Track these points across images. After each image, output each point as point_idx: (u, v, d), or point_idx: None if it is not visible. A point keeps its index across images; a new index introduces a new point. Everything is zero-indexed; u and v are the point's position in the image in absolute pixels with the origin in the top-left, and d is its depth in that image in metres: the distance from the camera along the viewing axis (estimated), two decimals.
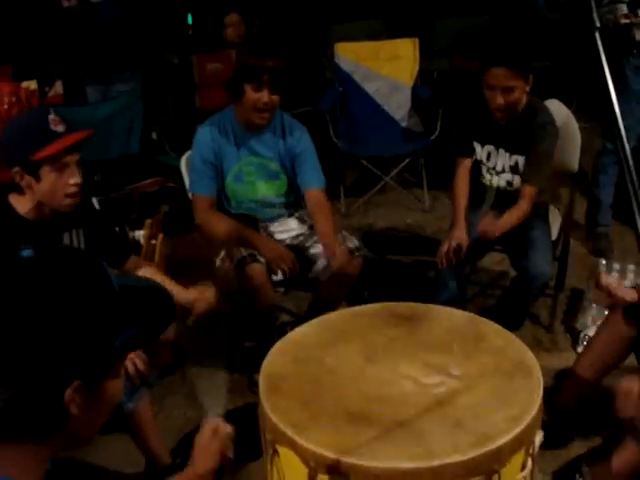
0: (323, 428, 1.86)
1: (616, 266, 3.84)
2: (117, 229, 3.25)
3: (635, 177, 1.14)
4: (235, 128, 3.22)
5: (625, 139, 1.15)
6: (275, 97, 3.10)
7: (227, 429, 1.72)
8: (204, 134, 3.23)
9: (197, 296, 2.73)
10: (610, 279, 2.72)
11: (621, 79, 4.13)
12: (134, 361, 2.45)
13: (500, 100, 3.18)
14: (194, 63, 5.44)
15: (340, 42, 5.50)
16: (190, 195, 3.29)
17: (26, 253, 1.08)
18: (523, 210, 3.25)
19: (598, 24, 1.15)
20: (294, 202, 3.41)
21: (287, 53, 3.30)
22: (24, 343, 1.00)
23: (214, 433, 1.70)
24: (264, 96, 3.07)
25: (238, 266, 3.11)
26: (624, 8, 4.07)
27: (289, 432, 1.84)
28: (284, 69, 3.11)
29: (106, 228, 2.77)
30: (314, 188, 3.31)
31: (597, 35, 1.14)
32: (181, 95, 5.54)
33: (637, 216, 1.11)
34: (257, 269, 3.09)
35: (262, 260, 3.12)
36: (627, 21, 4.01)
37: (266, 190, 3.32)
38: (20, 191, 2.40)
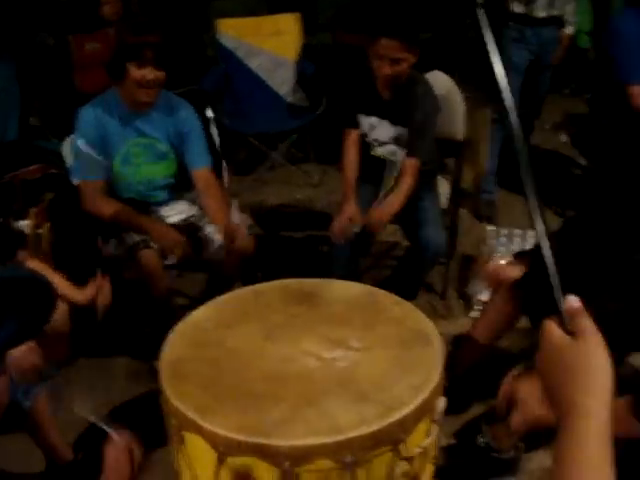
0: (228, 410, 1.83)
1: (503, 232, 3.95)
2: (0, 222, 3.14)
3: (524, 147, 1.15)
4: (120, 109, 3.13)
5: (513, 111, 1.16)
6: (160, 73, 3.03)
7: (125, 440, 1.67)
8: (87, 117, 3.12)
9: (94, 293, 2.67)
10: (494, 265, 2.77)
11: (499, 50, 4.24)
12: (29, 357, 2.36)
13: (387, 70, 3.20)
14: (71, 43, 5.26)
15: (221, 18, 5.42)
16: (75, 181, 3.19)
17: None
18: (408, 185, 3.29)
19: (480, 0, 1.16)
20: (183, 183, 3.35)
21: (168, 29, 3.23)
22: None
23: (123, 451, 1.65)
24: (148, 73, 3.00)
25: (129, 252, 3.04)
26: None
27: (194, 417, 1.80)
28: (166, 44, 3.04)
29: None
30: (202, 167, 3.28)
31: (480, 12, 1.15)
32: (59, 77, 5.35)
33: (526, 185, 1.13)
34: (149, 255, 3.03)
35: (154, 245, 3.05)
36: None
37: (155, 171, 3.25)
38: None
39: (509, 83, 3.18)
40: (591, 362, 1.05)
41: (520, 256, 2.76)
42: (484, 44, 1.13)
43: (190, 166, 3.27)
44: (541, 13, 4.47)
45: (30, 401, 2.46)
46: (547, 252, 1.11)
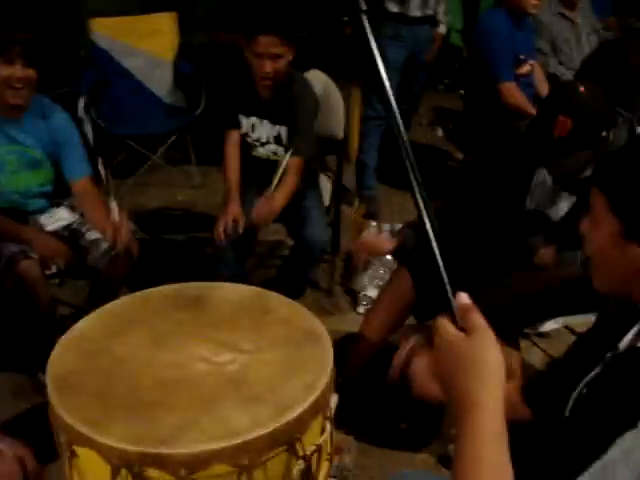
0: (121, 421, 1.80)
1: (386, 227, 4.03)
2: None
3: (407, 143, 1.18)
4: None
5: (396, 108, 1.18)
6: (30, 71, 2.92)
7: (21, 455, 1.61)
8: None
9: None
10: (368, 236, 2.83)
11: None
12: None
13: (268, 68, 3.21)
14: None
15: (95, 18, 5.30)
16: None
17: None
18: (292, 183, 3.31)
19: (364, 7, 1.17)
20: (62, 190, 3.27)
21: (39, 26, 3.14)
22: None
23: (13, 463, 1.59)
24: (17, 70, 2.89)
25: (8, 264, 2.94)
26: None
27: (85, 430, 1.76)
28: (37, 42, 2.94)
29: None
30: (80, 178, 3.21)
31: (364, 18, 1.16)
32: None
33: (412, 180, 1.15)
34: (29, 266, 2.93)
35: (34, 255, 2.97)
36: None
37: (30, 180, 3.15)
38: None
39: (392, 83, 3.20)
40: (484, 357, 1.08)
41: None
42: (369, 49, 1.15)
43: (68, 176, 3.20)
44: (415, 12, 4.60)
45: None
46: (436, 250, 1.13)
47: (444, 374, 1.12)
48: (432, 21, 4.82)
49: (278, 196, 3.28)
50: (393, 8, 4.58)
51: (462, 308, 1.11)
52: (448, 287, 1.12)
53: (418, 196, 1.14)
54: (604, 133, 2.52)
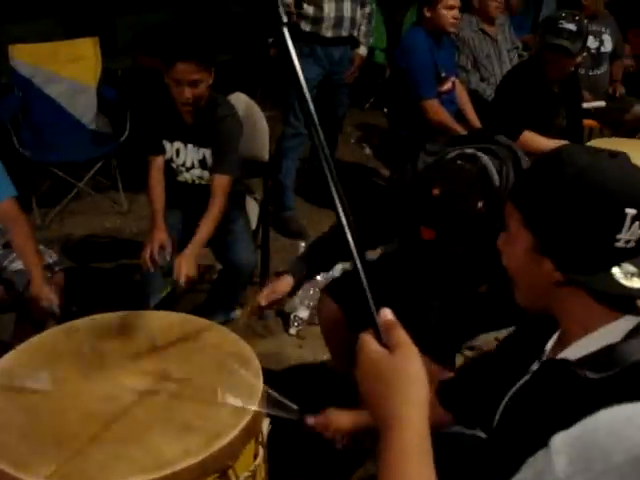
0: (49, 459, 1.76)
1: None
2: None
3: (330, 159, 1.18)
4: None
5: (318, 126, 1.19)
6: None
7: None
8: None
9: None
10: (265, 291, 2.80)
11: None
12: None
13: (187, 94, 3.20)
14: None
15: (15, 44, 5.22)
16: None
17: None
18: (219, 205, 3.27)
19: (285, 19, 1.19)
20: None
21: None
22: None
23: None
24: None
25: None
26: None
27: (10, 471, 1.72)
28: None
29: None
30: (5, 199, 3.13)
31: (284, 30, 1.18)
32: None
33: (334, 199, 1.16)
34: None
35: None
36: (287, 10, 4.31)
37: None
38: None
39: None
40: (407, 373, 1.09)
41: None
42: (289, 61, 1.16)
43: None
44: (328, 33, 4.64)
45: None
46: (360, 267, 1.13)
47: (367, 391, 1.12)
48: (350, 42, 4.87)
49: (202, 230, 3.20)
50: (306, 27, 4.64)
51: (385, 324, 1.12)
52: (371, 304, 1.12)
53: (340, 212, 1.14)
54: (479, 204, 2.47)
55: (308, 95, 1.17)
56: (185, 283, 3.09)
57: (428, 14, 4.30)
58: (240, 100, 3.68)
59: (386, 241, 2.99)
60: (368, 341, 1.12)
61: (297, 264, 2.81)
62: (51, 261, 3.13)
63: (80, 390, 2.04)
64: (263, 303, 2.72)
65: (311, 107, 1.17)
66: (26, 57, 5.19)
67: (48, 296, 2.94)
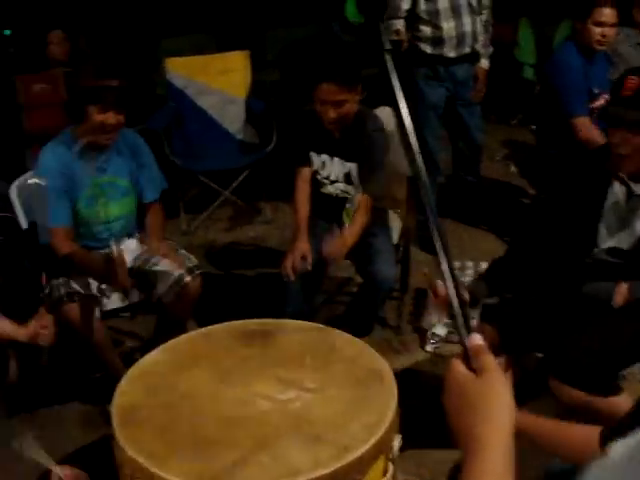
0: (182, 457, 1.81)
1: (456, 264, 3.98)
2: None
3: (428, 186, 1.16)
4: (79, 150, 3.10)
5: (417, 149, 1.17)
6: (121, 117, 3.04)
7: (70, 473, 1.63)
8: (49, 161, 3.08)
9: (36, 330, 2.62)
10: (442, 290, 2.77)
11: (414, 89, 4.39)
12: None
13: (332, 114, 3.22)
14: (18, 84, 5.21)
15: (170, 57, 5.43)
16: (50, 225, 3.10)
17: None
18: (361, 221, 3.30)
19: (388, 47, 1.17)
20: (138, 220, 3.38)
21: (125, 70, 3.24)
22: None
23: None
24: (110, 117, 3.01)
25: (55, 306, 3.00)
26: (398, 24, 4.31)
27: (147, 464, 1.77)
28: (127, 87, 3.04)
29: None
30: (152, 200, 3.37)
31: (387, 57, 1.17)
32: (5, 118, 5.30)
33: (431, 223, 1.15)
34: (71, 311, 2.99)
35: (81, 300, 3.02)
36: (396, 38, 4.17)
37: (119, 209, 3.26)
38: None
39: (427, 120, 3.29)
40: (492, 398, 1.08)
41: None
42: (391, 91, 1.14)
43: (143, 198, 3.33)
44: (451, 53, 4.49)
45: None
46: (451, 291, 1.13)
47: (452, 413, 1.12)
48: (472, 58, 4.66)
49: (348, 233, 3.27)
50: (426, 49, 4.47)
51: (474, 349, 1.12)
52: (462, 327, 1.12)
53: (436, 237, 1.14)
54: None
55: (410, 125, 1.15)
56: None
57: (579, 27, 4.16)
58: (387, 114, 3.66)
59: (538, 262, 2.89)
60: (456, 364, 1.13)
61: (478, 284, 2.77)
62: (191, 265, 3.21)
63: (216, 393, 2.08)
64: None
65: (412, 138, 1.15)
66: (180, 70, 5.37)
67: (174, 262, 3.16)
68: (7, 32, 6.06)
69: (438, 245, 1.14)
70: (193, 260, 3.26)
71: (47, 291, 3.09)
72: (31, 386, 3.30)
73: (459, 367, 1.12)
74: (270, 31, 6.93)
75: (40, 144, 3.30)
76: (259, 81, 5.70)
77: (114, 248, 3.10)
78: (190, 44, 6.29)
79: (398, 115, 1.15)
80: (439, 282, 3.14)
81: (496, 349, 2.76)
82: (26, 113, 5.23)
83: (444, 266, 1.14)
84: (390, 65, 1.15)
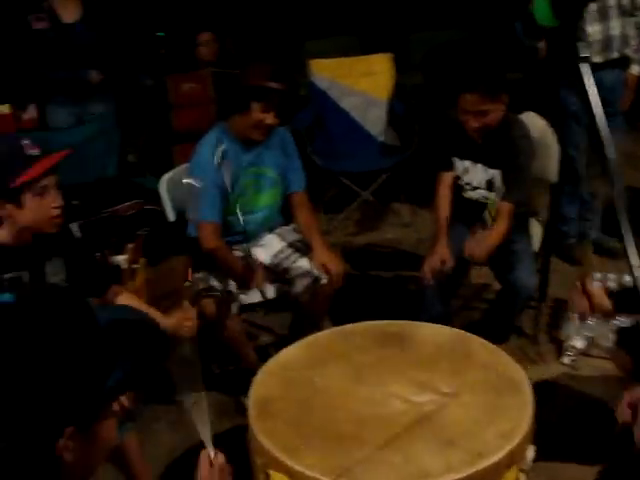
0: (315, 450, 1.84)
1: (597, 275, 3.85)
2: (97, 256, 3.23)
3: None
4: (232, 144, 3.20)
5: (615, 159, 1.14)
6: (277, 120, 3.15)
7: (222, 460, 1.68)
8: (206, 155, 3.18)
9: (179, 322, 2.71)
10: (595, 285, 2.68)
11: (556, 98, 4.14)
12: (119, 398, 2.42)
13: (474, 124, 3.19)
14: (168, 84, 5.41)
15: (314, 59, 5.51)
16: (195, 220, 3.20)
17: (5, 298, 1.03)
18: (502, 229, 3.26)
19: (584, 54, 1.15)
20: (281, 213, 3.48)
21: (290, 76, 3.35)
22: (12, 394, 0.96)
23: (212, 466, 1.65)
24: (270, 117, 3.11)
25: (194, 299, 3.09)
26: None
27: (281, 456, 1.82)
28: (289, 92, 3.16)
29: (86, 257, 2.73)
30: (298, 190, 3.44)
31: (582, 65, 1.14)
32: (156, 116, 5.51)
33: (622, 225, 1.11)
34: (208, 305, 3.09)
35: (219, 295, 3.12)
36: None
37: (266, 199, 3.35)
38: None
39: (569, 129, 3.17)
40: None
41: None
42: (586, 97, 1.12)
43: (289, 188, 3.40)
44: (596, 58, 4.08)
45: (119, 438, 2.51)
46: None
47: None
48: (621, 63, 4.27)
49: (491, 235, 3.24)
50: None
51: None
52: None
53: (628, 240, 1.11)
54: None
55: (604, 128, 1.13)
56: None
57: None
58: (531, 120, 3.59)
59: None
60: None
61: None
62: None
63: (350, 391, 2.10)
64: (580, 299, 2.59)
65: (610, 149, 1.13)
66: (324, 71, 5.45)
67: (331, 262, 3.23)
68: (161, 34, 6.29)
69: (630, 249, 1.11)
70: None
71: (189, 284, 3.19)
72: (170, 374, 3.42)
73: None
74: (414, 34, 6.91)
75: (187, 141, 3.42)
76: (401, 84, 5.69)
77: (253, 253, 3.20)
78: (334, 46, 6.35)
79: (592, 121, 1.13)
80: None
81: (631, 377, 2.66)
82: (175, 111, 5.42)
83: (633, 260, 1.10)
84: (587, 75, 1.13)
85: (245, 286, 3.18)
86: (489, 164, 3.35)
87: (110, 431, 1.09)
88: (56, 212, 2.37)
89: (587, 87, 1.11)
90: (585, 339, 3.62)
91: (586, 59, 1.13)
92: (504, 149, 3.28)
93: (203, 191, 3.13)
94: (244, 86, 3.13)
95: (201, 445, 2.87)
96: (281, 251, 3.38)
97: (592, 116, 1.12)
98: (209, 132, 3.27)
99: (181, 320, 2.70)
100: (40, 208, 2.33)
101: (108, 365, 1.03)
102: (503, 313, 3.52)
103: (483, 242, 3.19)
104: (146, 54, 5.89)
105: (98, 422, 1.05)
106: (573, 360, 3.58)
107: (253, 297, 3.32)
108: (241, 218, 3.30)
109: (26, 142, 2.32)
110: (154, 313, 2.68)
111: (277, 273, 3.33)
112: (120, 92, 5.13)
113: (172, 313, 2.75)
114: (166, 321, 2.69)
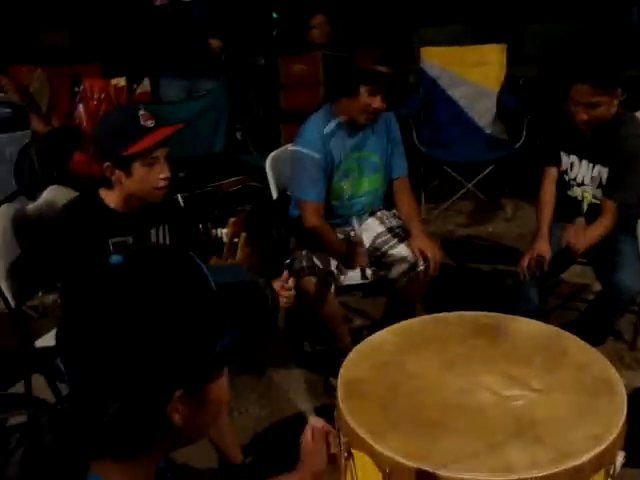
0: (400, 434, 1.85)
1: None
2: (200, 227, 3.31)
3: None
4: (337, 126, 3.22)
5: None
6: (385, 104, 3.14)
7: (328, 428, 1.70)
8: (313, 136, 3.21)
9: (279, 290, 2.75)
10: None
11: None
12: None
13: (584, 116, 3.11)
14: (280, 64, 5.47)
15: (426, 46, 5.48)
16: (301, 198, 3.27)
17: (115, 260, 1.02)
18: (605, 226, 3.18)
19: None
20: (384, 199, 3.49)
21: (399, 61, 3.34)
22: (124, 355, 0.97)
23: (318, 433, 1.67)
24: (377, 101, 3.11)
25: (295, 277, 3.13)
26: None
27: (365, 436, 1.83)
28: (398, 76, 3.15)
29: (190, 226, 2.81)
30: (400, 175, 3.45)
31: None
32: (266, 96, 5.59)
33: None
34: (309, 283, 3.11)
35: (320, 274, 3.14)
36: None
37: (368, 184, 3.37)
38: (109, 185, 2.46)
39: None
40: None
41: None
42: None
43: (392, 174, 3.41)
44: None
45: None
46: None
47: None
48: None
49: (590, 231, 3.17)
50: None
51: None
52: None
53: None
54: None
55: None
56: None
57: None
58: None
59: None
60: None
61: None
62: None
63: (440, 378, 2.10)
64: None
65: None
66: (435, 59, 5.41)
67: (429, 249, 3.22)
68: (275, 15, 6.37)
69: None
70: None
71: (289, 261, 3.24)
72: (262, 348, 3.49)
73: None
74: (529, 25, 6.78)
75: (294, 122, 3.45)
76: (512, 76, 5.61)
77: (356, 229, 3.21)
78: (446, 34, 6.31)
79: None
80: None
81: None
82: (284, 91, 5.48)
83: None
84: None
85: (349, 264, 3.20)
86: (597, 160, 3.27)
87: (221, 394, 1.10)
88: (163, 183, 2.45)
89: None
90: None
91: None
92: (614, 146, 3.19)
93: (308, 169, 3.17)
94: (353, 69, 3.14)
95: (287, 419, 2.95)
96: (380, 235, 3.39)
97: None
98: (315, 113, 3.29)
99: (279, 289, 2.75)
100: (148, 178, 2.41)
101: (218, 328, 1.03)
102: (602, 315, 3.44)
103: (584, 233, 3.13)
104: (259, 34, 5.98)
105: (207, 385, 1.06)
106: None
107: (352, 278, 3.34)
108: (342, 202, 3.32)
109: (142, 113, 2.40)
110: None
111: (375, 257, 3.34)
112: (232, 70, 5.22)
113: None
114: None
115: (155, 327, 0.98)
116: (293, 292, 2.66)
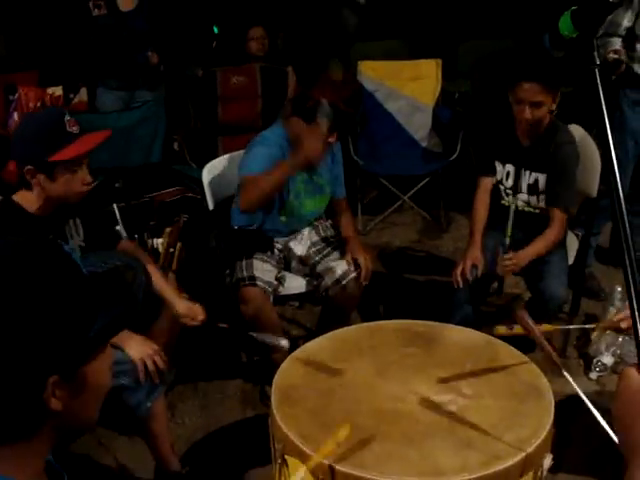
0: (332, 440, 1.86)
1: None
2: (136, 237, 3.30)
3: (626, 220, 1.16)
4: (287, 147, 3.22)
5: (618, 180, 1.16)
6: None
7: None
8: (261, 155, 3.18)
9: (189, 312, 2.77)
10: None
11: (617, 114, 3.95)
12: (154, 359, 2.49)
13: (528, 115, 3.19)
14: (218, 76, 5.47)
15: (363, 60, 5.54)
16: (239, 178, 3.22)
17: None
18: (554, 235, 3.27)
19: (598, 62, 1.17)
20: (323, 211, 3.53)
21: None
22: None
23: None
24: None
25: (235, 287, 3.14)
26: (616, 42, 3.79)
27: (298, 442, 1.85)
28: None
29: (99, 213, 2.84)
30: (342, 197, 3.50)
31: (596, 72, 1.16)
32: (203, 107, 5.57)
33: (626, 255, 1.14)
34: (249, 293, 3.12)
35: (260, 284, 3.14)
36: (615, 57, 3.81)
37: (313, 205, 3.40)
38: (27, 187, 2.44)
39: (622, 147, 3.12)
40: None
41: None
42: (598, 107, 1.14)
43: (333, 194, 3.44)
44: None
45: (150, 403, 2.57)
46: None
47: (619, 418, 1.12)
48: None
49: (538, 244, 3.25)
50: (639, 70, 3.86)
51: None
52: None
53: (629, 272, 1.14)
54: None
55: (610, 139, 1.14)
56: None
57: None
58: (576, 132, 3.58)
59: None
60: (631, 372, 1.13)
61: None
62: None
63: (374, 385, 2.13)
64: (624, 326, 2.58)
65: (614, 162, 1.14)
66: (372, 73, 5.47)
67: (361, 257, 3.27)
68: (216, 30, 6.36)
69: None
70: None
71: (229, 271, 3.24)
72: (198, 359, 3.49)
73: (633, 373, 1.12)
74: (462, 42, 6.90)
75: (232, 134, 3.45)
76: (447, 91, 5.70)
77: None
78: (383, 49, 6.37)
79: (601, 129, 1.15)
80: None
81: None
82: (222, 103, 5.47)
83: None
84: (598, 80, 1.15)
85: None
86: (533, 168, 3.35)
87: (99, 378, 1.08)
88: (85, 188, 2.46)
89: (599, 95, 1.13)
90: (614, 356, 3.60)
91: (599, 66, 1.15)
92: (549, 153, 3.28)
93: (256, 152, 3.16)
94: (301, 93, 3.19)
95: (223, 429, 2.94)
96: (315, 244, 3.42)
97: (601, 122, 1.13)
98: (276, 122, 3.32)
99: (191, 313, 2.76)
100: (70, 183, 2.43)
101: (89, 314, 1.02)
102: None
103: (513, 262, 3.20)
104: (197, 46, 5.96)
105: (84, 369, 1.04)
106: (601, 376, 3.56)
107: (290, 289, 3.37)
108: (288, 219, 3.34)
109: (68, 119, 2.39)
110: (173, 293, 2.75)
111: (309, 266, 3.37)
112: (170, 81, 5.20)
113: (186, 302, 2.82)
114: (180, 305, 2.75)
115: (21, 314, 0.96)
116: (201, 318, 2.71)
